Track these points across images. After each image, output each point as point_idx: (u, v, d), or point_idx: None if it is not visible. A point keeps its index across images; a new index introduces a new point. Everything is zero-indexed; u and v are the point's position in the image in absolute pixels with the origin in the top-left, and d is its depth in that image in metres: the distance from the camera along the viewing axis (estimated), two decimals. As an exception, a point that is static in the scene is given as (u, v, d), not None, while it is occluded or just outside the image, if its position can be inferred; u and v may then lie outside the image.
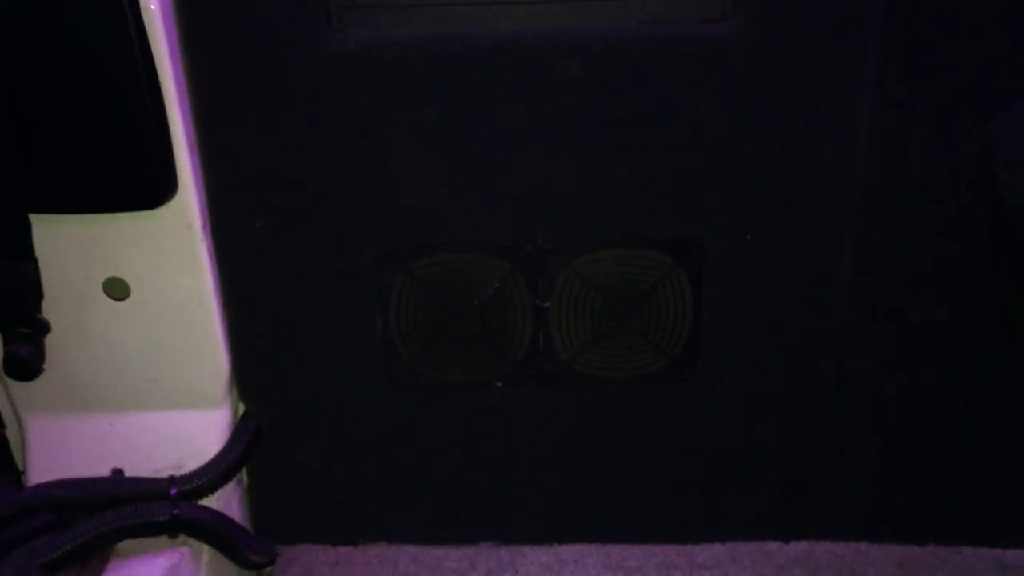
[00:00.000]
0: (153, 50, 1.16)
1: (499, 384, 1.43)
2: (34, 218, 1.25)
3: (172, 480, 1.35)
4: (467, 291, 1.37)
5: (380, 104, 1.25)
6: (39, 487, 1.37)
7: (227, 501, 1.43)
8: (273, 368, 1.42)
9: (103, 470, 1.38)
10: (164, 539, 1.35)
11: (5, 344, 1.31)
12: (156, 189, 1.23)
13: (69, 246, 1.27)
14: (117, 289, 1.31)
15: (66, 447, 1.39)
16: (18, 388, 1.36)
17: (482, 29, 1.23)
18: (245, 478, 1.49)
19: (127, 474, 1.38)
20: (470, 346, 1.40)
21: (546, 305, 1.39)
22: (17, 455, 1.45)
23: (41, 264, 1.27)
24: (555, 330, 1.40)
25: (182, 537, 1.36)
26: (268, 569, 1.51)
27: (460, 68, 1.24)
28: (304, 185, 1.30)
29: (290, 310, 1.38)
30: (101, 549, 1.32)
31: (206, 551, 1.38)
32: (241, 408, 1.44)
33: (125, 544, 1.34)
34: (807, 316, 1.39)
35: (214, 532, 1.37)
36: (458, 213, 1.33)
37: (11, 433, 1.43)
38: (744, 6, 1.20)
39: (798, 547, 1.52)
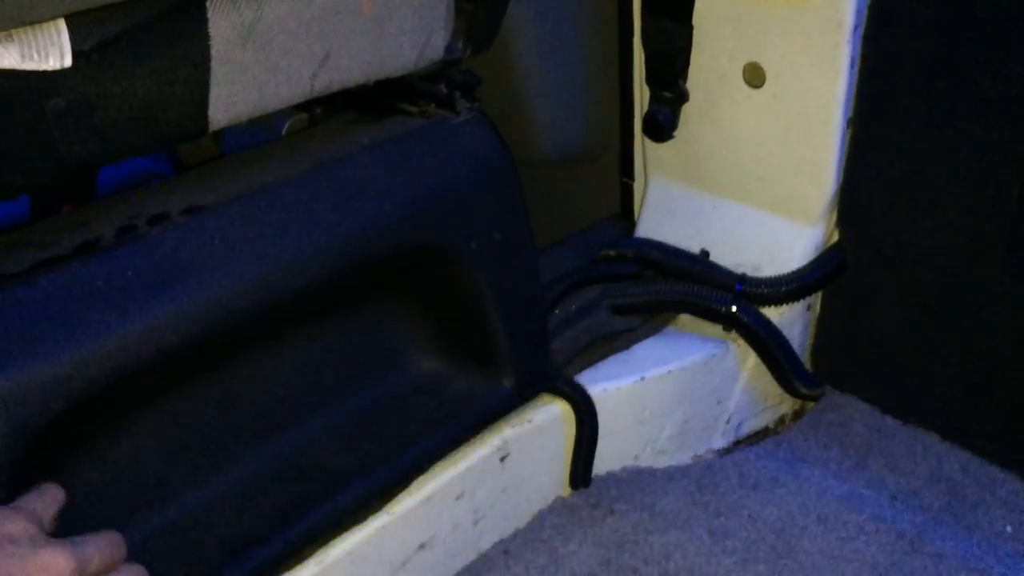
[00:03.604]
0: None
1: None
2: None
3: (742, 278, 1.37)
4: None
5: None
6: (640, 240, 1.50)
7: (791, 320, 1.40)
8: (880, 204, 1.30)
9: (693, 246, 1.44)
10: (720, 328, 1.38)
11: (650, 104, 1.42)
12: (818, -23, 1.16)
13: (722, 23, 1.28)
14: (755, 76, 1.31)
15: (672, 213, 1.48)
16: (651, 148, 1.48)
17: None
18: (817, 306, 1.43)
19: (711, 258, 1.43)
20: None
21: None
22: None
23: (694, 35, 1.32)
24: None
25: (737, 335, 1.38)
26: (808, 404, 1.47)
27: None
28: (973, 15, 1.10)
29: (917, 147, 1.23)
30: (662, 312, 1.42)
31: (752, 357, 1.39)
32: (835, 236, 1.37)
33: (685, 317, 1.41)
34: None
35: (764, 343, 1.37)
36: None
37: (637, 187, 1.56)
38: None
39: None
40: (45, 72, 0.82)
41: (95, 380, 0.84)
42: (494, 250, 1.15)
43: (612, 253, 1.49)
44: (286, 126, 1.39)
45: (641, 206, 1.54)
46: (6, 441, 0.80)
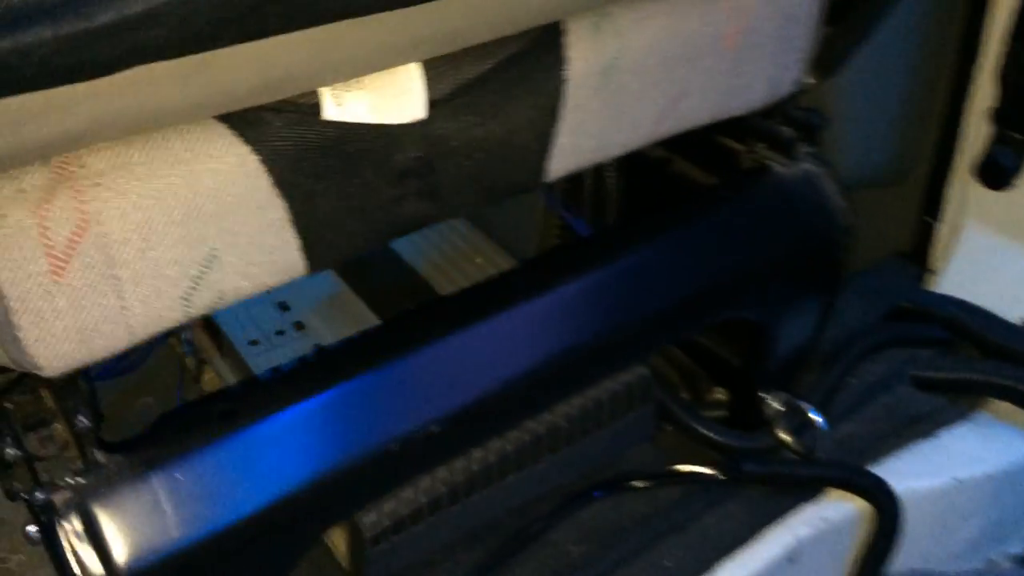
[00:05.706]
0: None
1: None
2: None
3: (1086, 367, 1.14)
4: None
5: None
6: (946, 298, 1.28)
7: None
8: None
9: (1011, 314, 1.22)
10: (1041, 420, 1.17)
11: (993, 144, 1.19)
12: None
13: None
14: None
15: (990, 271, 1.27)
16: (976, 191, 1.25)
17: None
18: None
19: (1037, 333, 1.21)
20: None
21: None
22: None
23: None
24: None
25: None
26: None
27: None
28: None
29: None
30: (975, 394, 1.21)
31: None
32: None
33: (1001, 404, 1.20)
34: None
35: (1100, 447, 1.15)
36: None
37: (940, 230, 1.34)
38: None
39: None
40: (391, 126, 0.68)
41: None
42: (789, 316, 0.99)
43: (909, 307, 1.28)
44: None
45: (945, 253, 1.32)
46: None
